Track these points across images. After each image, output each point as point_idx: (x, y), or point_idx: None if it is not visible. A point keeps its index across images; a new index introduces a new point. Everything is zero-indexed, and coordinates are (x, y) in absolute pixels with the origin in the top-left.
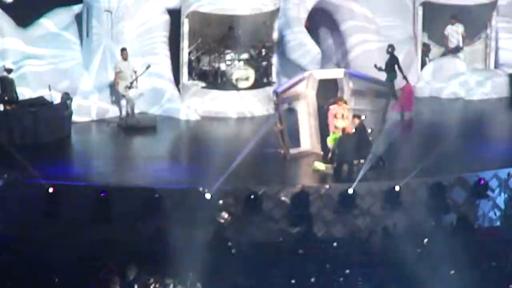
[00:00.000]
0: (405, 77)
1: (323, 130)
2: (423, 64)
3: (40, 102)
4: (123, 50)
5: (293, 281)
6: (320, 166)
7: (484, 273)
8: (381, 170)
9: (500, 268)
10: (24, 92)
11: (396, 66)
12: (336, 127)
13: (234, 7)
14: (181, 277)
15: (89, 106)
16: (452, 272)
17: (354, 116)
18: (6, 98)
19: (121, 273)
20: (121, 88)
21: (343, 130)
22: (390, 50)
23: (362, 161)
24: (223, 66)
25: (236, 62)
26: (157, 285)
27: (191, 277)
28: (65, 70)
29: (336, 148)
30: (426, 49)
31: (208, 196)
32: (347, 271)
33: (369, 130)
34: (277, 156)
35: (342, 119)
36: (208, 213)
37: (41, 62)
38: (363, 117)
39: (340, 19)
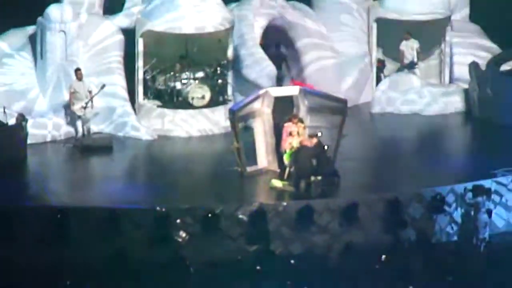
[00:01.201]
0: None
1: (280, 147)
2: (378, 80)
3: None
4: (78, 70)
5: None
6: (277, 183)
7: None
8: (336, 185)
9: (457, 283)
10: None
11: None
12: (291, 145)
13: (180, 26)
14: None
15: (45, 127)
16: (410, 287)
17: (311, 136)
18: None
19: None
20: (76, 108)
21: (300, 143)
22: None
23: (319, 177)
24: (178, 85)
25: (191, 81)
26: None
27: None
28: (19, 91)
29: (293, 164)
30: (381, 65)
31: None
32: None
33: (325, 147)
34: (234, 174)
35: (297, 137)
36: (166, 232)
37: None
38: (319, 134)
39: (295, 36)
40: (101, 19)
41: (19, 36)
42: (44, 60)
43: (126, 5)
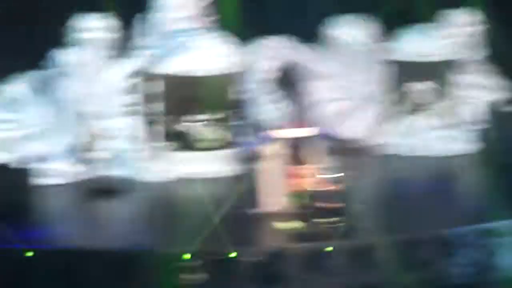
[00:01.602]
0: None
1: (292, 189)
2: (390, 121)
3: (6, 167)
4: (90, 113)
5: None
6: (290, 225)
7: None
8: (351, 227)
9: None
10: None
11: None
12: (305, 187)
13: (191, 70)
14: None
15: (57, 169)
16: None
17: (332, 181)
18: None
19: None
20: (87, 151)
21: (314, 185)
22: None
23: (333, 219)
24: (188, 127)
25: (203, 122)
26: None
27: None
28: (32, 133)
29: (306, 205)
30: (393, 106)
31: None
32: None
33: (342, 189)
34: (246, 216)
35: (311, 178)
36: (174, 276)
37: (8, 126)
38: (336, 176)
39: (307, 79)
40: (114, 61)
41: (31, 79)
42: (56, 103)
43: (137, 47)
